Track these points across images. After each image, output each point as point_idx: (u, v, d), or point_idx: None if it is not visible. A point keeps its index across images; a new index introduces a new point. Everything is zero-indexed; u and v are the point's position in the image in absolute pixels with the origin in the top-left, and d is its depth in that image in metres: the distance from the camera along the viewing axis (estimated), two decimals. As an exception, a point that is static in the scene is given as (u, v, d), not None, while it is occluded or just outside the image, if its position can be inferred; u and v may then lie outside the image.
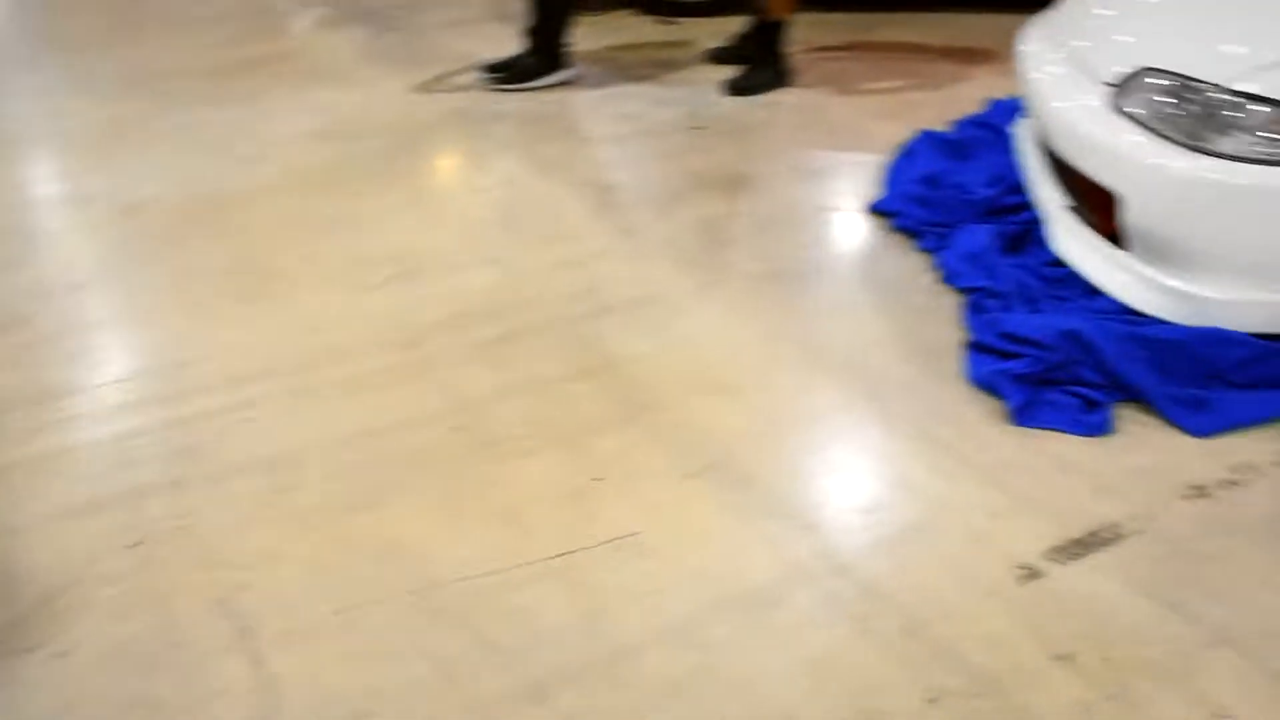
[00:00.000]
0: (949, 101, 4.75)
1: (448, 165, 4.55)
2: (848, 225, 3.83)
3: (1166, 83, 2.96)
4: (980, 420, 2.83)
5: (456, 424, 2.88)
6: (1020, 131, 3.87)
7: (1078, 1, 3.66)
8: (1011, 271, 3.30)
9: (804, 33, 5.42)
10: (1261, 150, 2.76)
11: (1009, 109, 4.41)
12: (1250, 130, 2.78)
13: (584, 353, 3.15)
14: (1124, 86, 3.07)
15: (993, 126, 4.28)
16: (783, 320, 3.28)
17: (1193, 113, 2.87)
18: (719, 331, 3.24)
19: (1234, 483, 2.60)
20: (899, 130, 4.37)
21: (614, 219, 3.94)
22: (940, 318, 3.25)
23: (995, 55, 5.30)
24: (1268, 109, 2.76)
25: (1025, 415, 2.80)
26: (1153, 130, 2.94)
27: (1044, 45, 3.60)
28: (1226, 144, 2.80)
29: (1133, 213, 2.97)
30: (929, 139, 4.22)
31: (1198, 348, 2.86)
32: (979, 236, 3.46)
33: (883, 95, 4.94)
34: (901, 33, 5.77)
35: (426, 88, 5.16)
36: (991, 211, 3.65)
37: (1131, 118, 3.01)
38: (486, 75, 5.11)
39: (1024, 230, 3.52)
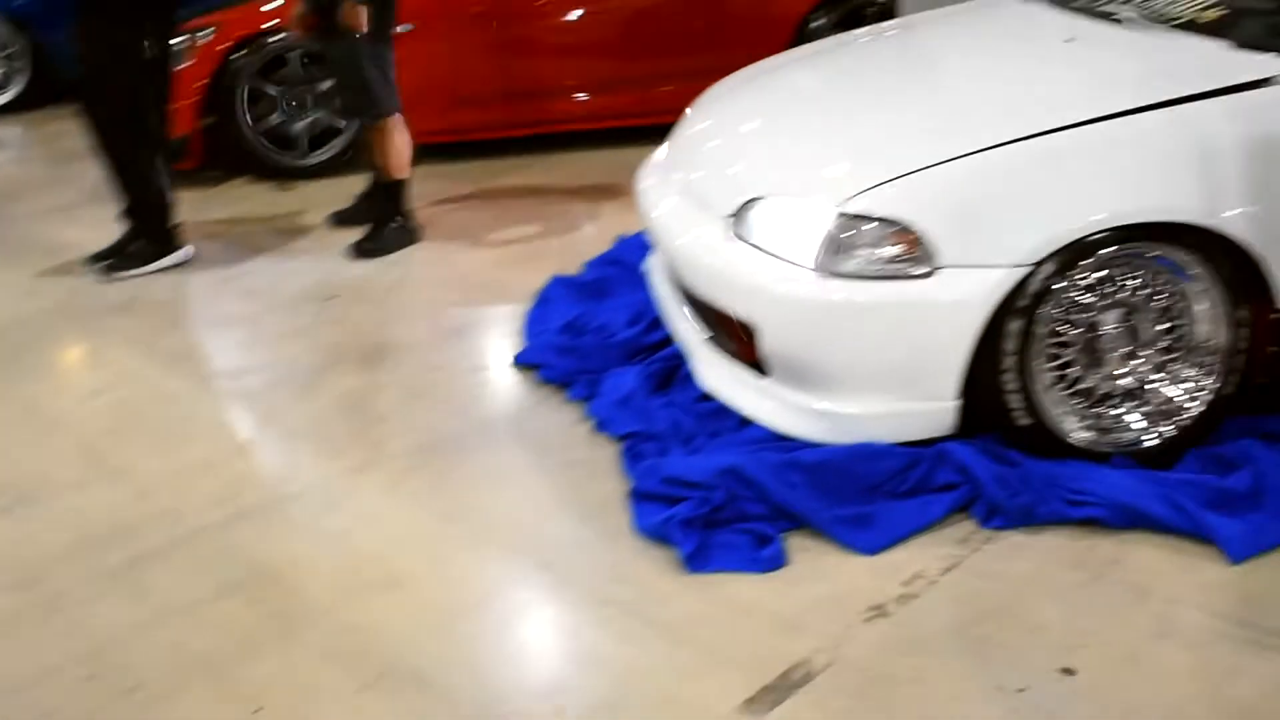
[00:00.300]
0: (579, 242, 4.78)
1: (58, 368, 4.16)
2: (496, 384, 3.73)
3: (781, 209, 3.04)
4: (658, 574, 2.75)
5: (89, 672, 2.55)
6: (652, 267, 3.91)
7: (687, 134, 3.75)
8: (663, 412, 3.28)
9: (426, 185, 5.36)
10: (878, 267, 2.86)
11: (639, 244, 4.47)
12: (865, 248, 2.87)
13: (229, 566, 2.88)
14: (741, 217, 3.13)
15: (625, 264, 4.32)
16: (443, 497, 3.13)
17: (811, 236, 2.94)
18: (377, 520, 3.04)
19: (910, 596, 2.63)
20: (533, 277, 4.34)
21: (249, 409, 3.69)
22: (602, 470, 3.18)
23: (619, 190, 5.39)
24: (877, 226, 2.86)
25: (698, 561, 2.75)
26: (776, 257, 3.00)
27: (661, 180, 3.66)
28: (846, 264, 2.89)
29: (768, 340, 3.01)
30: (563, 284, 4.21)
31: (851, 465, 2.90)
32: (627, 380, 3.44)
33: (513, 243, 4.92)
34: (525, 176, 5.81)
35: (29, 283, 4.74)
36: (636, 352, 3.64)
37: (753, 246, 3.06)
38: (94, 265, 4.75)
39: (671, 367, 3.53)
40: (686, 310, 3.49)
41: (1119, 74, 3.13)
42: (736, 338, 3.22)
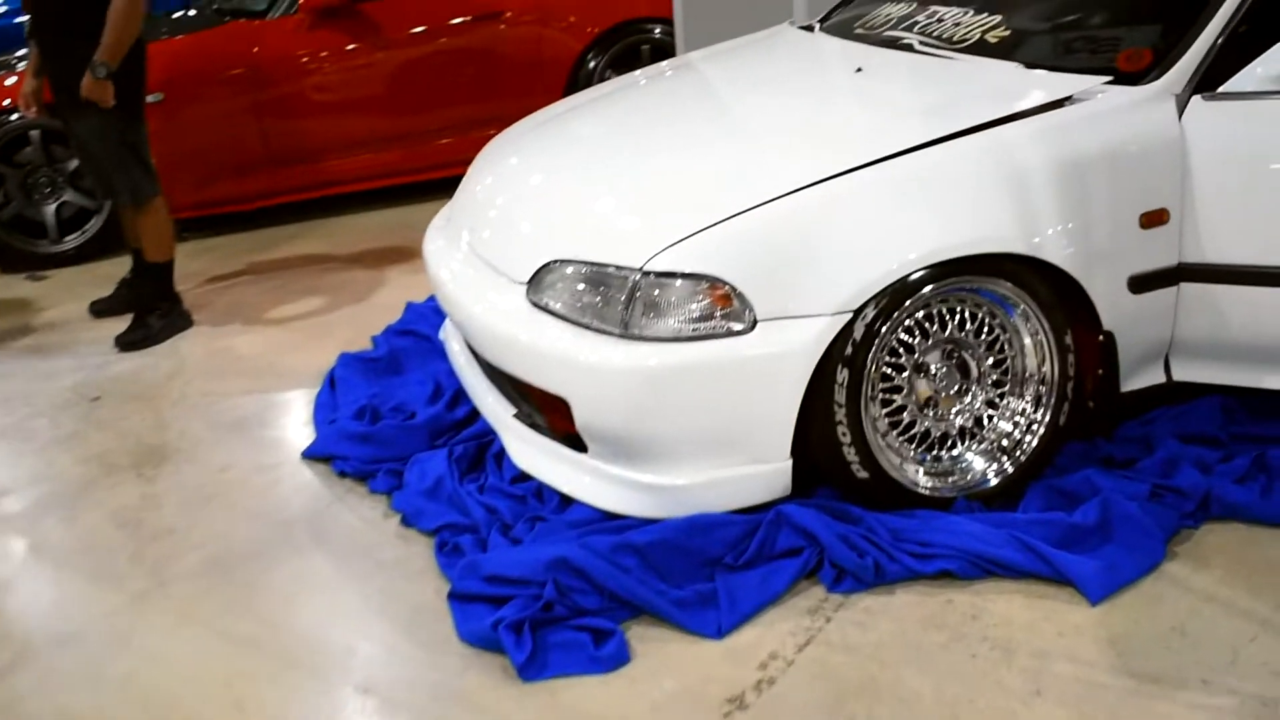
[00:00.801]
0: (367, 313, 4.47)
1: None
2: (290, 482, 3.38)
3: (580, 272, 2.81)
4: (491, 686, 2.48)
5: None
6: (448, 336, 3.64)
7: (471, 191, 3.50)
8: (477, 498, 3.02)
9: (193, 264, 4.97)
10: (692, 327, 2.66)
11: (431, 311, 4.20)
12: (676, 308, 2.68)
13: (-8, 739, 2.48)
14: (537, 282, 2.89)
15: (419, 333, 4.04)
16: (242, 619, 2.78)
17: (615, 299, 2.73)
18: (167, 658, 2.68)
19: (768, 682, 2.42)
20: (320, 357, 4.02)
21: (10, 536, 3.26)
22: (417, 570, 2.88)
23: (405, 253, 5.12)
24: (685, 283, 2.67)
25: (533, 668, 2.48)
26: (580, 324, 2.78)
27: (448, 242, 3.40)
28: (657, 327, 2.68)
29: (582, 413, 2.77)
30: (352, 362, 3.89)
31: (687, 540, 2.69)
32: (434, 465, 3.16)
33: (295, 320, 4.56)
34: (302, 246, 5.45)
35: None
36: (441, 432, 3.37)
37: (554, 314, 2.83)
38: None
39: (481, 445, 3.27)
40: (489, 384, 3.23)
41: (917, 104, 3.03)
42: (547, 412, 2.99)
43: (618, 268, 2.74)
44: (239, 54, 5.37)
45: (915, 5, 3.61)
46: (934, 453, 2.87)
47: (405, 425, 3.36)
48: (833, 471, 2.78)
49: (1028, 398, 2.87)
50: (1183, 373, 3.03)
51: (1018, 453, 2.87)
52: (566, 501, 2.94)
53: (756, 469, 2.75)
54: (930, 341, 2.81)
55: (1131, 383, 2.99)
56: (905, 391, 2.82)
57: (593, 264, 2.80)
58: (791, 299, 2.65)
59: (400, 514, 3.09)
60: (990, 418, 2.89)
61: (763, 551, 2.72)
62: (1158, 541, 2.68)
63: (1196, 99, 2.85)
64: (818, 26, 3.89)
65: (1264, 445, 2.98)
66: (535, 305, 2.89)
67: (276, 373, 4.06)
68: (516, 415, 3.08)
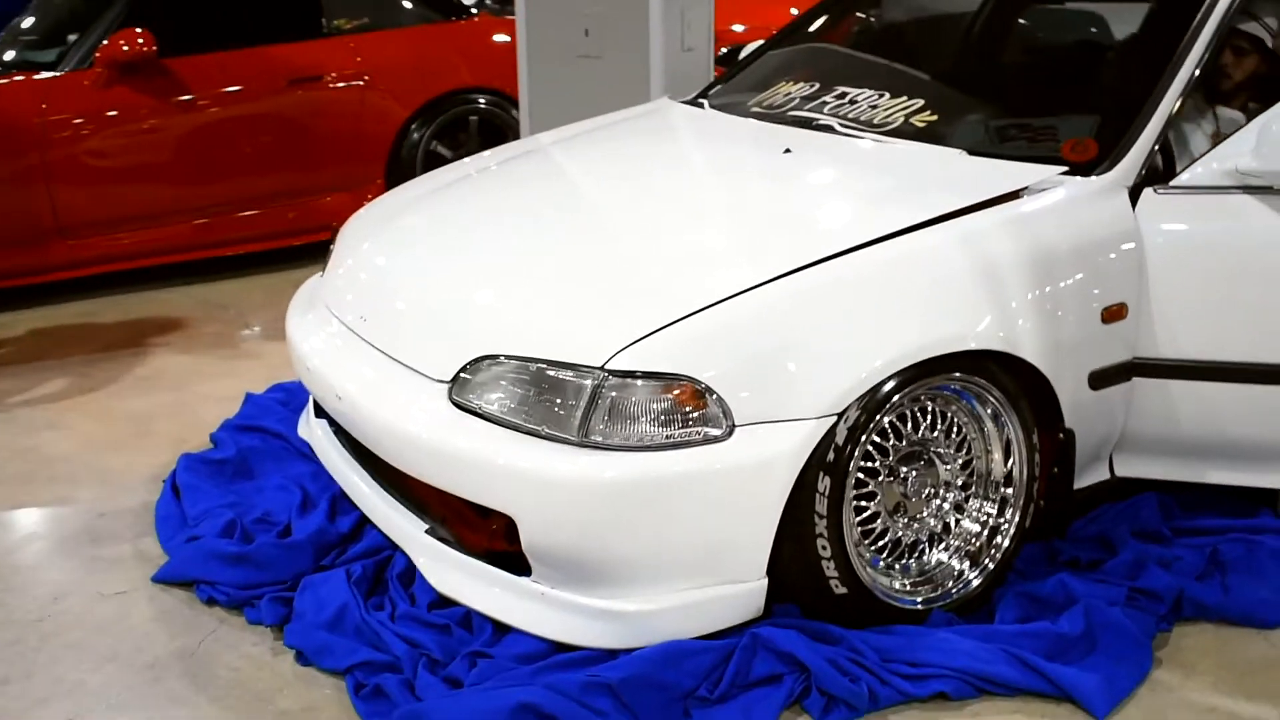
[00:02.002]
0: (189, 405, 3.96)
1: None
2: (143, 613, 2.84)
3: (523, 370, 2.48)
4: None
5: None
6: (315, 435, 3.21)
7: (351, 272, 3.10)
8: (392, 629, 2.61)
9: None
10: (661, 433, 2.38)
11: (276, 404, 3.74)
12: (642, 412, 2.38)
13: None
14: (464, 381, 2.55)
15: (267, 430, 3.57)
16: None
17: (570, 402, 2.42)
18: None
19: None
20: (147, 458, 3.53)
21: None
22: (330, 719, 2.46)
23: (220, 337, 4.60)
24: (654, 384, 2.38)
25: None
26: (524, 430, 2.45)
27: (324, 332, 2.99)
28: (621, 433, 2.38)
29: (531, 531, 2.43)
30: (196, 466, 3.37)
31: (659, 674, 2.38)
32: (333, 592, 2.72)
33: (108, 414, 3.96)
34: (102, 326, 4.78)
35: None
36: (325, 549, 2.93)
37: (486, 417, 2.49)
38: None
39: (377, 565, 2.86)
40: (384, 494, 2.84)
41: (871, 190, 2.87)
42: (458, 526, 2.64)
43: (573, 366, 2.43)
44: (23, 111, 4.73)
45: (817, 86, 3.47)
46: (903, 561, 2.67)
47: (286, 543, 2.91)
48: (807, 588, 2.54)
49: (995, 499, 2.72)
50: (1126, 468, 2.96)
51: (987, 557, 2.71)
52: (501, 630, 2.58)
53: (729, 589, 2.47)
54: (904, 443, 2.62)
55: (1080, 480, 2.89)
56: (877, 498, 2.61)
57: (539, 361, 2.47)
58: (772, 401, 2.40)
59: (295, 650, 2.64)
60: (958, 521, 2.71)
61: (738, 681, 2.43)
62: (1145, 650, 2.56)
63: (1149, 192, 2.80)
64: (707, 104, 3.70)
65: (1204, 539, 2.93)
66: (460, 407, 2.54)
67: (98, 478, 3.49)
68: (430, 531, 2.70)
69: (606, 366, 2.39)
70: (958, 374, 2.58)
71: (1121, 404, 2.83)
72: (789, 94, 3.50)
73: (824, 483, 2.45)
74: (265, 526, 3.05)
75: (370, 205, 3.53)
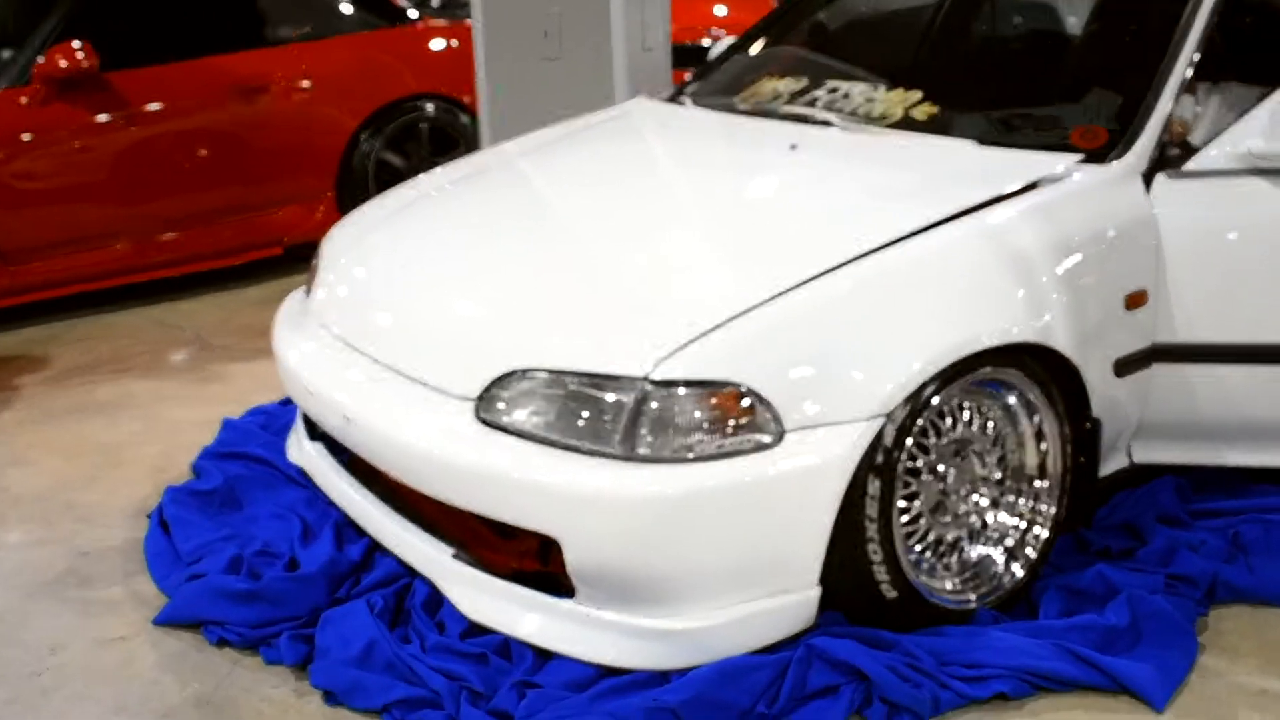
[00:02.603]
0: (160, 433, 3.79)
1: None
2: (147, 659, 2.67)
3: (558, 383, 2.39)
4: None
5: None
6: (311, 457, 3.08)
7: (348, 285, 2.99)
8: (426, 662, 2.49)
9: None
10: (711, 444, 2.30)
11: (257, 429, 3.60)
12: (690, 422, 2.31)
13: None
14: (492, 396, 2.45)
15: (250, 456, 3.41)
16: None
17: (613, 415, 2.33)
18: None
19: None
20: (124, 491, 3.37)
21: None
22: (377, 765, 2.34)
23: (182, 360, 4.42)
24: (701, 392, 2.31)
25: None
26: (562, 446, 2.36)
27: (320, 349, 2.87)
28: (669, 446, 2.30)
29: (576, 554, 2.34)
30: (184, 499, 3.21)
31: (717, 693, 2.30)
32: (357, 626, 2.59)
33: (74, 448, 3.75)
34: (55, 354, 4.53)
35: None
36: (338, 580, 2.80)
37: (519, 434, 2.40)
38: None
39: (398, 595, 2.74)
40: (399, 519, 2.73)
41: (893, 185, 2.82)
42: (498, 546, 2.54)
43: (614, 378, 2.34)
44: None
45: (806, 81, 3.42)
46: (944, 560, 2.63)
47: (297, 577, 2.77)
48: (858, 594, 2.48)
49: (1031, 492, 2.69)
50: (1143, 454, 2.95)
51: (1028, 549, 2.68)
52: (543, 656, 2.48)
53: (782, 600, 2.41)
54: (944, 441, 2.58)
55: (1103, 469, 2.87)
56: (920, 498, 2.56)
57: (577, 373, 2.39)
58: (821, 404, 2.34)
59: (323, 690, 2.52)
60: (996, 516, 2.68)
61: (794, 695, 2.37)
62: (1191, 636, 2.55)
63: (1161, 177, 2.79)
64: (690, 102, 3.63)
65: (1221, 521, 2.94)
66: (488, 424, 2.44)
67: (75, 515, 3.31)
68: (458, 556, 2.59)
69: (651, 377, 2.31)
70: (989, 368, 2.55)
71: (1143, 390, 2.82)
72: (777, 90, 3.44)
73: (874, 485, 2.40)
74: (268, 560, 2.90)
75: (352, 218, 3.41)
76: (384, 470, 2.66)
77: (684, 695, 2.28)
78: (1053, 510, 2.69)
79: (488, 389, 2.47)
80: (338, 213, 5.27)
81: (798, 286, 2.43)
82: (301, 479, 3.24)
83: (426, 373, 2.59)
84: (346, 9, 5.45)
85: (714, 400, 2.31)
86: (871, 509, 2.41)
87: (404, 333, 2.72)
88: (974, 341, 2.46)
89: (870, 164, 2.95)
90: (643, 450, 2.31)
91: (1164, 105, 2.82)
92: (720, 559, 2.34)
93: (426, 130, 5.43)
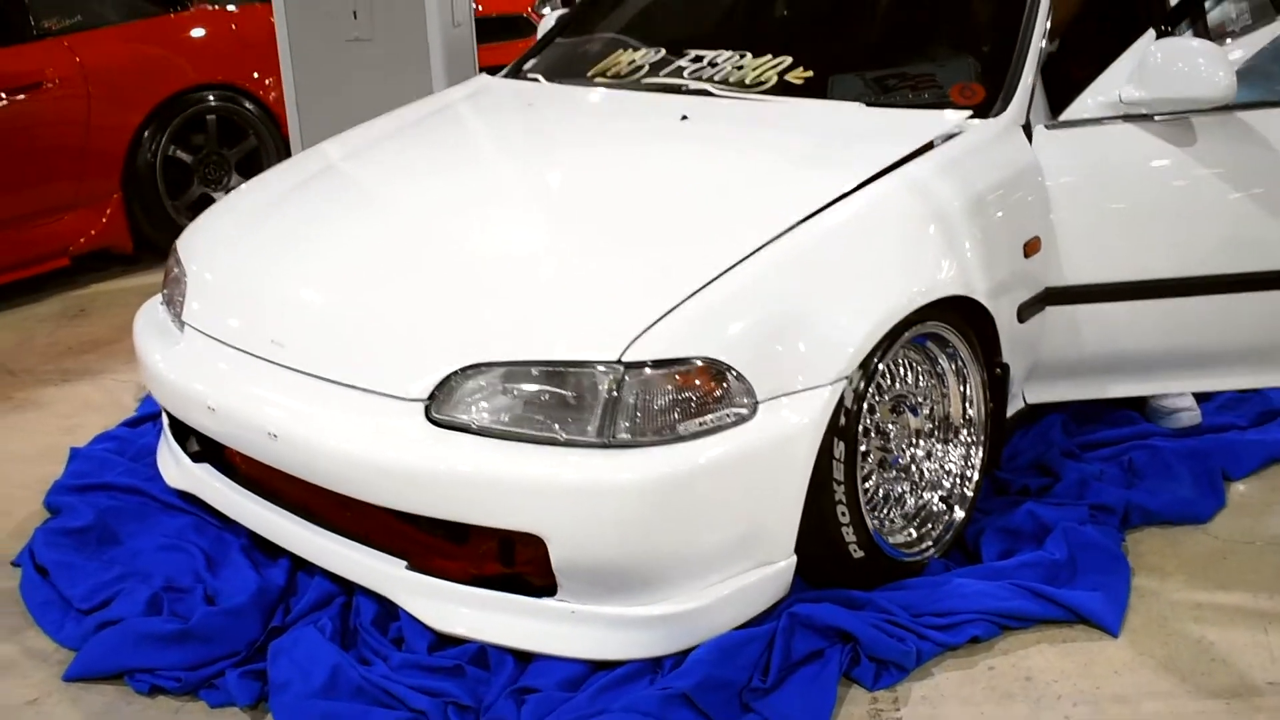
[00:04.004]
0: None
1: None
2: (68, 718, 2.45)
3: (523, 375, 2.30)
4: None
5: None
6: (202, 480, 2.86)
7: (230, 287, 2.79)
8: (402, 683, 2.35)
9: None
10: (692, 423, 2.27)
11: (112, 455, 3.31)
12: (668, 402, 2.27)
13: None
14: (446, 395, 2.34)
15: (115, 487, 3.12)
16: None
17: (587, 403, 2.27)
18: None
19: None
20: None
21: None
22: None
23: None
24: (675, 371, 2.27)
25: None
26: (534, 440, 2.28)
27: (220, 360, 2.67)
28: (650, 428, 2.25)
29: (562, 548, 2.27)
30: (57, 539, 2.89)
31: (720, 673, 2.28)
32: (314, 653, 2.40)
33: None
34: None
35: None
36: (269, 608, 2.61)
37: (483, 433, 2.30)
38: None
39: (342, 612, 2.59)
40: (342, 537, 2.57)
41: (803, 150, 2.85)
42: (450, 557, 2.44)
43: (583, 364, 2.27)
44: None
45: (663, 52, 3.39)
46: (891, 514, 2.69)
47: (228, 610, 2.56)
48: (827, 556, 2.51)
49: (961, 439, 2.78)
50: (1035, 394, 3.10)
51: (964, 494, 2.77)
52: (523, 659, 2.39)
53: (763, 572, 2.41)
54: (886, 398, 2.63)
55: (1008, 412, 3.01)
56: (870, 456, 2.61)
57: (541, 363, 2.30)
58: (788, 372, 2.35)
59: (291, 728, 2.35)
60: (932, 465, 2.76)
61: (783, 664, 2.37)
62: (1123, 561, 2.71)
63: (1040, 128, 2.92)
64: (542, 79, 3.54)
65: (1109, 450, 3.14)
66: (442, 424, 2.33)
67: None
68: (412, 567, 2.47)
69: (623, 360, 2.26)
70: (934, 322, 2.61)
71: (1038, 333, 2.96)
72: (634, 62, 3.40)
73: (839, 448, 2.43)
74: (177, 595, 2.68)
75: (208, 219, 3.17)
76: (320, 485, 2.49)
77: (692, 679, 2.25)
78: (980, 455, 2.79)
79: (437, 388, 2.35)
80: (125, 217, 4.91)
81: (748, 257, 2.42)
82: (181, 504, 3.01)
83: (362, 378, 2.44)
84: (116, -4, 5.05)
85: (689, 377, 2.27)
86: (838, 471, 2.44)
87: (327, 337, 2.55)
88: (914, 298, 2.52)
89: (770, 130, 2.96)
90: (623, 435, 2.25)
91: (1032, 59, 2.95)
92: (709, 538, 2.32)
93: (214, 122, 5.09)
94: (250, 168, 5.21)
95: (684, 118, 3.03)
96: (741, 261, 2.41)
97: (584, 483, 2.23)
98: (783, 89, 3.11)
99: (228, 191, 5.15)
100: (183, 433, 2.96)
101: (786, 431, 2.33)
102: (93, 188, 4.77)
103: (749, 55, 3.25)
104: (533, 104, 3.38)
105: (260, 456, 2.59)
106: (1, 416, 3.79)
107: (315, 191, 3.06)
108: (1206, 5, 3.12)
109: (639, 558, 2.29)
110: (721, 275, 2.38)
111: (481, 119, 3.37)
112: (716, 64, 3.26)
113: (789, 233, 2.48)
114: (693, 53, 3.34)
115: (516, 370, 2.31)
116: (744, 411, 2.30)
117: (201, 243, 3.02)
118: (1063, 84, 3.03)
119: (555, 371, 2.29)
